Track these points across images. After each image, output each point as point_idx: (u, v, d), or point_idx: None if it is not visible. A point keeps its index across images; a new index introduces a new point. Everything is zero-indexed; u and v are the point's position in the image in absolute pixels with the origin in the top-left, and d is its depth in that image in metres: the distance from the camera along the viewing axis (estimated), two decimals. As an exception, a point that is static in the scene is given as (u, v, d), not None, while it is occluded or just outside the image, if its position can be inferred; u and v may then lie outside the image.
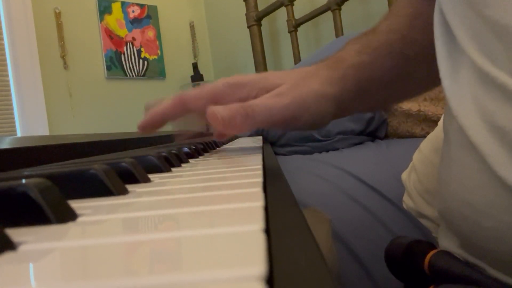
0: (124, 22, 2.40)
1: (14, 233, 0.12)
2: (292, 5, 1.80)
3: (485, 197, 0.26)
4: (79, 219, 0.15)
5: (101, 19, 2.32)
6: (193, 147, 0.45)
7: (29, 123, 2.05)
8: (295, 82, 0.37)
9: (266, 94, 0.36)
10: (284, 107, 0.35)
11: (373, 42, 0.41)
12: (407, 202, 0.56)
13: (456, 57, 0.29)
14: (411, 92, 0.47)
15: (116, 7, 2.38)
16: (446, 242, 0.34)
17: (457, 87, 0.28)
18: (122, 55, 2.37)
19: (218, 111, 0.34)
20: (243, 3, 1.99)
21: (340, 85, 0.38)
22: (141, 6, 2.47)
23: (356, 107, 0.42)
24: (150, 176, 0.26)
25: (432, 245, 0.37)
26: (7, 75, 2.02)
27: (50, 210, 0.14)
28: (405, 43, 0.40)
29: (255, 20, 1.96)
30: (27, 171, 0.25)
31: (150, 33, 2.49)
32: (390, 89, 0.42)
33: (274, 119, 0.35)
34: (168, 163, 0.31)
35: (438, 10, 0.31)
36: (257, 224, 0.12)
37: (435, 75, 0.30)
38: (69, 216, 0.15)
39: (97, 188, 0.20)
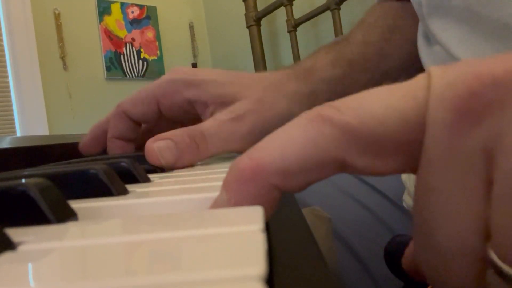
0: (123, 23, 2.40)
1: (14, 233, 0.12)
2: (291, 5, 1.80)
3: None
4: (79, 219, 0.15)
5: (101, 20, 2.32)
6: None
7: (29, 123, 2.04)
8: (257, 98, 0.32)
9: (222, 111, 0.31)
10: (243, 137, 0.31)
11: (347, 54, 0.37)
12: (407, 201, 0.56)
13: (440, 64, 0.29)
14: None
15: (115, 8, 2.38)
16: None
17: None
18: (122, 56, 2.37)
19: (159, 148, 0.28)
20: (243, 3, 1.99)
21: (309, 102, 0.34)
22: (141, 6, 2.47)
23: None
24: (150, 176, 0.26)
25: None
26: (7, 76, 2.02)
27: (49, 210, 0.14)
28: (381, 57, 0.38)
29: (255, 20, 1.96)
30: (27, 171, 0.25)
31: (150, 34, 2.49)
32: None
33: (231, 149, 0.32)
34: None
35: (422, 21, 0.31)
36: (257, 224, 0.12)
37: None
38: (69, 216, 0.15)
39: (97, 188, 0.20)
